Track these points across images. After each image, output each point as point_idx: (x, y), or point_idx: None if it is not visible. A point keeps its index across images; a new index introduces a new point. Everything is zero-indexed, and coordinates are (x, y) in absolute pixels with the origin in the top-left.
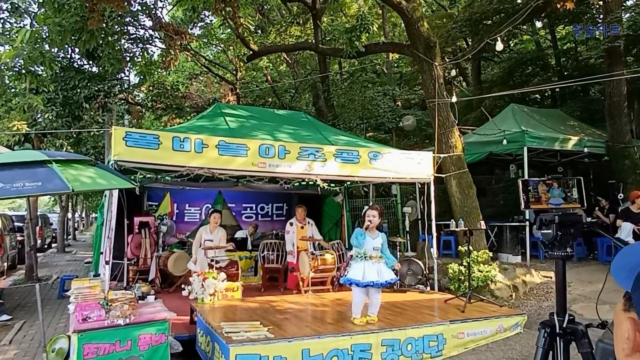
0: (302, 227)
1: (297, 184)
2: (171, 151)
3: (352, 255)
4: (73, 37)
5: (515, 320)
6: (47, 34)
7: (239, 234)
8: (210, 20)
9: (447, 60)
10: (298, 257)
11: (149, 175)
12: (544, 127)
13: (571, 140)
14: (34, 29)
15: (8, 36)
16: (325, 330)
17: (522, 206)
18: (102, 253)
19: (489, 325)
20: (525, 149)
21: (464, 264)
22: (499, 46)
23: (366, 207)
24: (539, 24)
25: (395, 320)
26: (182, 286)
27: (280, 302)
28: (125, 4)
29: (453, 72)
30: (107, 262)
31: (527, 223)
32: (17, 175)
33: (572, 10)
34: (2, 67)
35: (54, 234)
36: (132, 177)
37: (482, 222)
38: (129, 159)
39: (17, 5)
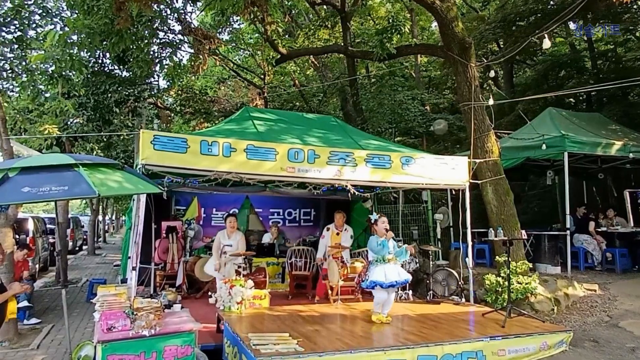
0: (337, 234)
1: (326, 189)
2: (199, 155)
3: (370, 261)
4: (102, 40)
5: (560, 337)
6: (76, 37)
7: (265, 239)
8: (239, 24)
9: (483, 62)
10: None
11: (177, 180)
12: (584, 132)
13: (615, 146)
14: (63, 32)
15: (42, 42)
16: (358, 344)
17: (631, 223)
18: (129, 258)
19: (532, 342)
20: (566, 154)
21: (502, 274)
22: (547, 44)
23: (375, 215)
24: (572, 26)
25: (430, 334)
26: (209, 293)
27: (309, 312)
28: (153, 4)
29: (492, 73)
30: (133, 268)
31: (568, 232)
32: (44, 179)
33: (612, 11)
34: (36, 72)
35: (85, 237)
36: (160, 182)
37: (523, 232)
38: (156, 163)
39: (48, 9)
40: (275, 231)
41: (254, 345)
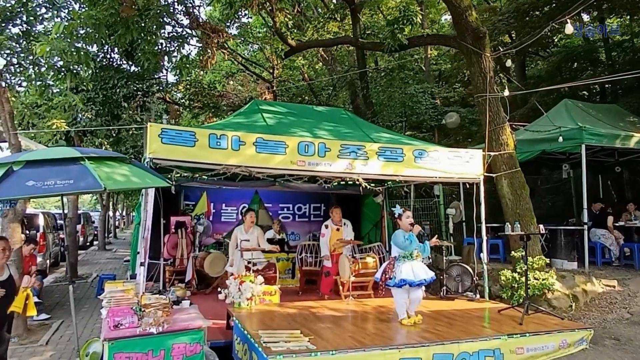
0: (337, 230)
1: (337, 183)
2: (208, 149)
3: (396, 257)
4: (108, 32)
5: (580, 334)
6: (82, 29)
7: (269, 234)
8: (248, 18)
9: (499, 52)
10: (337, 260)
11: (185, 174)
12: (602, 124)
13: (634, 138)
14: (69, 23)
15: (49, 35)
16: (371, 342)
17: None
18: (138, 253)
19: (551, 340)
20: (584, 147)
21: (518, 270)
22: (569, 29)
23: (398, 209)
24: (586, 17)
25: (445, 332)
26: (219, 289)
27: (320, 308)
28: None
29: (509, 63)
30: (142, 264)
31: (585, 227)
32: (49, 173)
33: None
34: (42, 68)
35: (95, 232)
36: (169, 176)
37: (541, 226)
38: (164, 157)
39: (54, 2)
40: (277, 226)
41: (264, 342)
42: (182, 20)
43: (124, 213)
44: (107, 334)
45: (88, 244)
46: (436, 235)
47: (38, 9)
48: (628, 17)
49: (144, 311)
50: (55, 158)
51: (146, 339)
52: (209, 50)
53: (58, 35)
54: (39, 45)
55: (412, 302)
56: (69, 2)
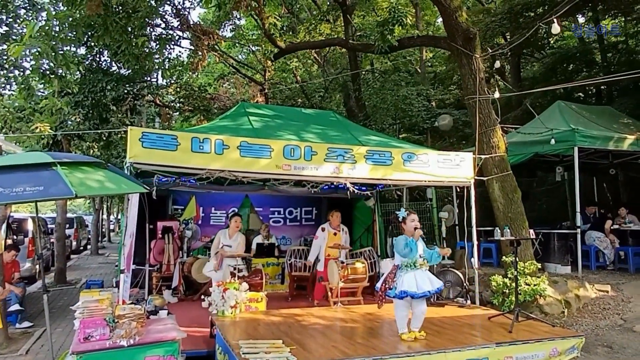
0: (335, 234)
1: (327, 187)
2: (190, 153)
3: (398, 266)
4: (86, 32)
5: (571, 342)
6: (58, 29)
7: (258, 239)
8: (239, 19)
9: (488, 52)
10: (326, 265)
11: (164, 179)
12: (595, 125)
13: (627, 140)
14: (44, 23)
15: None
16: (354, 353)
17: None
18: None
19: (541, 348)
20: (576, 149)
21: (509, 275)
22: (555, 29)
23: (403, 212)
24: (581, 19)
25: (433, 340)
26: (202, 297)
27: (307, 316)
28: None
29: (497, 64)
30: (122, 271)
31: (579, 230)
32: (18, 179)
33: (624, 1)
34: (28, 70)
35: (89, 236)
36: (151, 181)
37: (532, 231)
38: (145, 161)
39: (34, 2)
40: (265, 230)
41: (243, 354)
42: (172, 22)
43: (119, 217)
44: (76, 346)
45: (82, 248)
46: (445, 246)
47: (18, 10)
48: (622, 18)
49: (117, 322)
50: (26, 163)
51: (117, 352)
52: (199, 53)
53: (33, 36)
54: (12, 46)
55: (415, 316)
56: (54, 4)
